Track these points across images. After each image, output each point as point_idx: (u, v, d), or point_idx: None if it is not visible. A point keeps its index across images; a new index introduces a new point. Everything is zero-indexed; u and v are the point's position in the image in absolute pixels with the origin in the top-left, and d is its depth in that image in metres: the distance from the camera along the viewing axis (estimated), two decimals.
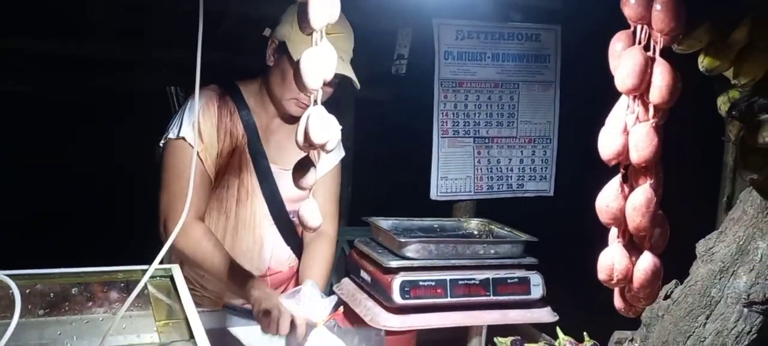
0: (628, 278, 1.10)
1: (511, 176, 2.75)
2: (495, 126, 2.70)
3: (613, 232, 1.15)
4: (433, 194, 2.70)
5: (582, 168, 2.51)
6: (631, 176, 1.08)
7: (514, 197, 2.76)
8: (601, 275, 1.12)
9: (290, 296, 1.29)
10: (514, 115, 2.72)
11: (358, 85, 1.86)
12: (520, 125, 2.73)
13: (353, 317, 1.90)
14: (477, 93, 2.68)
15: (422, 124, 2.82)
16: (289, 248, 1.96)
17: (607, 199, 1.08)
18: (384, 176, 3.00)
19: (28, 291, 1.12)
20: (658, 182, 1.06)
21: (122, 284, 1.19)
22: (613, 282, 1.11)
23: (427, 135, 2.80)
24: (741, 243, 1.56)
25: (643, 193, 1.04)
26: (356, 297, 1.94)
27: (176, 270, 1.21)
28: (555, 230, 2.36)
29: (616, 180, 1.08)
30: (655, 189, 1.05)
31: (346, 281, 2.07)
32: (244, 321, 1.76)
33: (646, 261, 1.08)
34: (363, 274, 1.96)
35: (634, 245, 1.13)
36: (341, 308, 1.49)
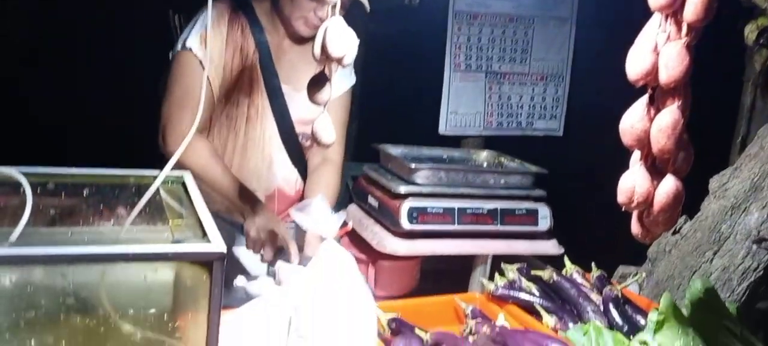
0: (648, 201, 1.09)
1: (521, 114, 2.72)
2: (508, 62, 2.66)
3: (636, 155, 1.13)
4: (442, 129, 2.67)
5: (593, 109, 2.49)
6: (658, 97, 1.05)
7: (523, 136, 2.74)
8: (622, 197, 1.10)
9: (300, 208, 1.28)
10: (528, 52, 2.68)
11: (368, 7, 1.82)
12: (533, 62, 2.69)
13: (358, 246, 1.90)
14: (491, 27, 2.64)
15: (433, 58, 2.77)
16: (296, 170, 1.95)
17: (632, 120, 1.05)
18: (392, 110, 2.97)
19: (38, 190, 1.10)
20: (686, 104, 1.04)
21: (133, 188, 1.18)
22: (633, 205, 1.10)
23: (437, 69, 2.76)
24: (755, 179, 1.55)
25: (670, 114, 1.02)
26: (363, 223, 1.94)
27: (188, 176, 1.19)
28: (563, 169, 2.34)
29: (643, 101, 1.05)
30: (683, 111, 1.03)
31: (352, 207, 2.06)
32: (244, 240, 1.77)
33: (669, 184, 1.06)
34: (371, 200, 1.95)
35: (656, 169, 1.12)
36: (350, 224, 1.49)
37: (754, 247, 1.55)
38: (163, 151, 1.76)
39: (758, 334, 1.28)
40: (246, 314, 1.26)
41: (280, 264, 1.42)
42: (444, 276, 1.95)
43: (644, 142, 1.07)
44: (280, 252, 1.67)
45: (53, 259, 0.84)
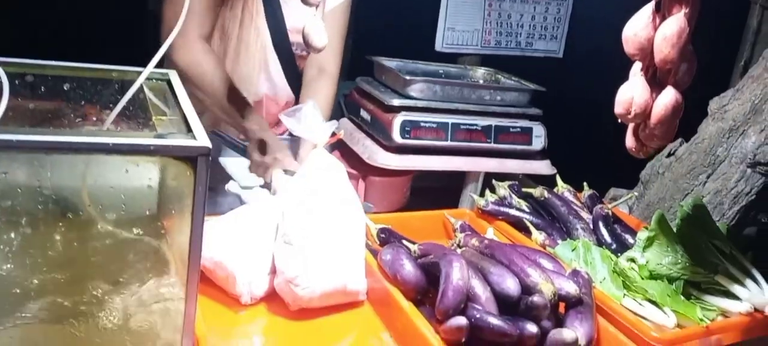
0: (646, 113, 1.06)
1: (520, 33, 2.65)
2: None
3: (637, 66, 1.09)
4: (438, 45, 2.61)
5: (595, 31, 2.43)
6: (664, 4, 1.01)
7: (522, 56, 2.67)
8: (619, 108, 1.07)
9: (290, 113, 1.24)
10: None
11: None
12: None
13: (348, 160, 1.87)
14: None
15: None
16: (286, 80, 1.90)
17: (636, 27, 1.01)
18: (388, 25, 2.89)
19: (17, 81, 1.06)
20: (693, 13, 1.00)
21: (117, 84, 1.14)
22: (630, 116, 1.07)
23: None
24: (756, 102, 1.52)
25: (677, 22, 0.98)
26: (354, 136, 1.91)
27: (173, 75, 1.15)
28: (561, 91, 2.30)
29: (648, 8, 1.01)
30: (689, 19, 0.99)
31: (344, 120, 2.03)
32: (231, 152, 1.73)
33: (668, 96, 1.03)
34: (363, 113, 1.92)
35: (656, 81, 1.08)
36: (342, 132, 1.45)
37: (749, 171, 1.53)
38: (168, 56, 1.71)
39: (746, 255, 1.28)
40: (232, 218, 1.25)
41: (276, 173, 1.40)
42: (435, 194, 1.94)
43: (647, 52, 1.04)
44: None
45: (31, 145, 0.80)
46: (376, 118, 1.83)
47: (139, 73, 1.05)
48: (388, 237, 1.35)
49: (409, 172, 1.85)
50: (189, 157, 0.87)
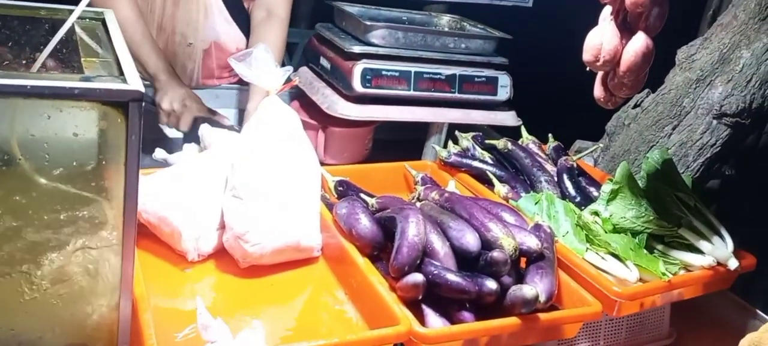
0: (615, 60, 1.01)
1: None
2: None
3: (606, 10, 1.04)
4: None
5: None
6: None
7: (489, 5, 2.60)
8: (587, 55, 1.02)
9: (240, 58, 1.16)
10: None
11: None
12: None
13: (307, 110, 1.80)
14: None
15: None
16: (235, 24, 1.80)
17: None
18: None
19: None
20: None
21: (47, 24, 1.04)
22: (598, 63, 1.02)
23: None
24: (724, 51, 1.48)
25: None
26: (314, 85, 1.83)
27: (109, 13, 1.06)
28: (529, 42, 2.24)
29: None
30: None
31: (303, 69, 1.94)
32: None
33: (639, 42, 0.98)
34: (323, 61, 1.84)
35: (626, 27, 1.03)
36: (296, 79, 1.38)
37: (714, 122, 1.50)
38: None
39: (710, 208, 1.25)
40: (179, 171, 1.17)
41: (204, 128, 1.32)
42: (396, 146, 1.88)
43: None
44: (197, 122, 1.58)
45: None
46: (336, 67, 1.75)
47: (71, 11, 0.97)
48: (346, 190, 1.30)
49: (371, 123, 1.78)
50: (120, 103, 0.79)
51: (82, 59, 0.92)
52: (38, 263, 0.87)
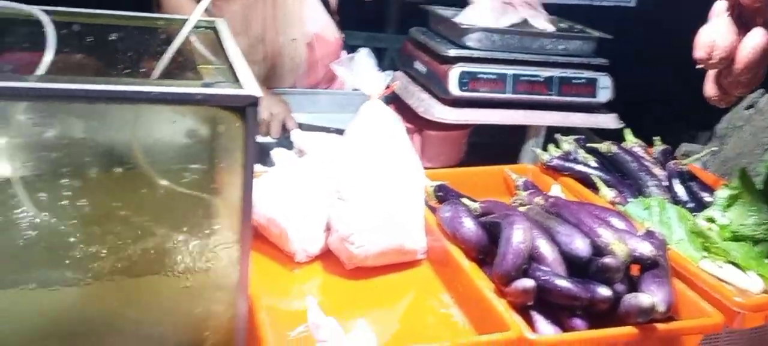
0: (729, 57, 0.95)
1: None
2: None
3: (720, 5, 0.98)
4: None
5: None
6: None
7: (589, 6, 2.52)
8: (699, 52, 0.97)
9: (343, 63, 1.18)
10: None
11: None
12: None
13: (403, 114, 1.80)
14: None
15: None
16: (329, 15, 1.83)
17: None
18: None
19: (64, 31, 1.03)
20: None
21: (163, 34, 1.09)
22: (711, 61, 0.97)
23: None
24: None
25: None
26: (409, 89, 1.84)
27: (221, 22, 1.10)
28: (631, 43, 2.15)
29: None
30: None
31: (398, 73, 1.95)
32: None
33: (757, 37, 0.93)
34: (417, 65, 1.84)
35: (742, 21, 0.97)
36: (397, 83, 1.38)
37: None
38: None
39: None
40: (285, 172, 1.20)
41: (296, 133, 1.33)
42: (492, 149, 1.85)
43: None
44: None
45: (79, 95, 0.76)
46: (431, 70, 1.75)
47: (186, 21, 1.01)
48: (445, 194, 1.29)
49: (466, 126, 1.77)
50: (237, 107, 0.82)
51: (199, 66, 0.96)
52: (160, 263, 0.91)
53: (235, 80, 0.86)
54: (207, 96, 0.80)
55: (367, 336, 0.89)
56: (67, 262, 0.88)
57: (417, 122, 1.76)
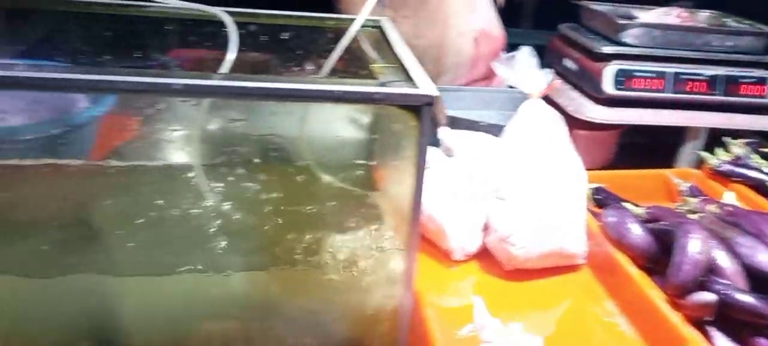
0: None
1: None
2: None
3: None
4: None
5: None
6: None
7: None
8: None
9: (504, 61, 1.16)
10: None
11: None
12: None
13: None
14: None
15: None
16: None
17: None
18: None
19: (241, 31, 1.09)
20: None
21: (330, 34, 1.13)
22: None
23: None
24: None
25: None
26: (558, 88, 1.79)
27: (386, 21, 1.11)
28: None
29: None
30: None
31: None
32: None
33: None
34: (567, 62, 1.78)
35: None
36: (557, 82, 1.35)
37: None
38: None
39: None
40: (442, 169, 1.20)
41: (443, 131, 1.32)
42: (644, 151, 1.77)
43: None
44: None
45: (259, 93, 0.80)
46: (583, 68, 1.69)
47: (353, 20, 1.03)
48: (605, 198, 1.24)
49: (619, 126, 1.69)
50: (414, 106, 0.82)
51: (371, 65, 0.98)
52: (326, 256, 0.94)
53: (409, 79, 0.87)
54: (385, 95, 0.81)
55: (533, 341, 0.87)
56: (239, 249, 0.93)
57: (566, 121, 1.71)
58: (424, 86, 0.83)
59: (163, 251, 0.93)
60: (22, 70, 0.72)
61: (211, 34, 1.08)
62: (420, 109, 0.82)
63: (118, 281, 0.87)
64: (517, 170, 1.09)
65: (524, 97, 1.75)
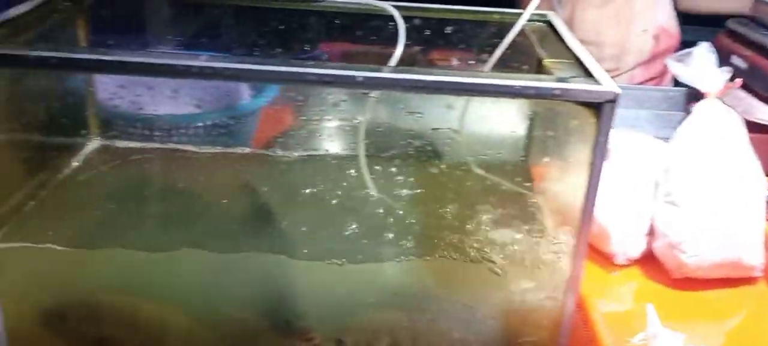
0: None
1: None
2: None
3: None
4: None
5: None
6: None
7: None
8: None
9: (679, 58, 1.10)
10: None
11: None
12: None
13: None
14: None
15: None
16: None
17: None
18: None
19: (406, 25, 1.10)
20: None
21: (493, 28, 1.12)
22: None
23: None
24: None
25: None
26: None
27: (554, 15, 1.09)
28: None
29: None
30: None
31: None
32: None
33: None
34: (735, 60, 1.66)
35: None
36: (739, 81, 1.26)
37: None
38: None
39: None
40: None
41: None
42: None
43: None
44: None
45: (441, 86, 0.80)
46: (755, 66, 1.57)
47: (519, 15, 1.02)
48: None
49: None
50: (594, 103, 0.80)
51: (543, 60, 0.96)
52: (490, 251, 0.94)
53: (588, 75, 0.84)
54: (565, 91, 0.79)
55: None
56: (399, 239, 0.95)
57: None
58: (606, 83, 0.80)
59: (330, 238, 0.96)
60: (203, 60, 0.75)
61: (367, 27, 1.10)
62: (601, 106, 0.79)
63: (288, 262, 0.91)
64: (691, 174, 1.03)
65: (681, 95, 1.66)
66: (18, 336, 0.90)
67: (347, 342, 0.91)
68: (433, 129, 1.10)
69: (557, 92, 0.80)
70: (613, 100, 0.79)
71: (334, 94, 1.11)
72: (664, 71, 1.78)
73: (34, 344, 0.92)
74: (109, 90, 1.08)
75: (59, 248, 0.87)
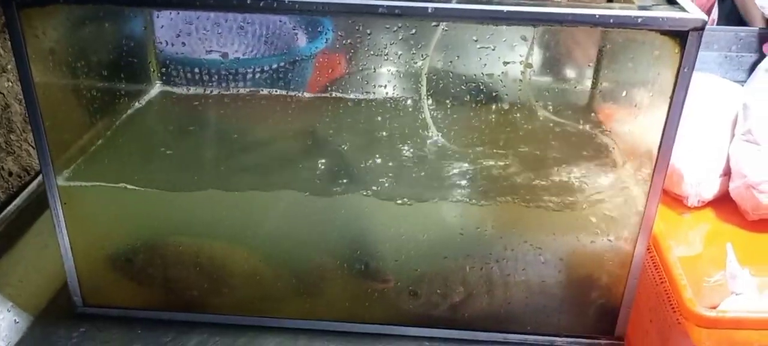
0: None
1: None
2: None
3: None
4: None
5: None
6: None
7: None
8: None
9: None
10: None
11: None
12: None
13: None
14: None
15: None
16: None
17: None
18: None
19: None
20: None
21: None
22: None
23: None
24: None
25: None
26: None
27: None
28: None
29: None
30: None
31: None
32: None
33: None
34: None
35: None
36: None
37: None
38: None
39: None
40: None
41: None
42: None
43: None
44: None
45: (516, 17, 0.77)
46: None
47: None
48: None
49: None
50: (679, 32, 0.76)
51: None
52: (563, 193, 0.91)
53: (670, 2, 0.80)
54: (649, 19, 0.76)
55: None
56: (469, 182, 0.93)
57: None
58: (693, 10, 0.76)
59: (398, 181, 0.94)
60: None
61: None
62: (686, 35, 0.75)
63: (364, 202, 0.90)
64: None
65: (753, 36, 1.59)
66: (87, 274, 0.92)
67: (421, 293, 0.90)
68: (505, 63, 1.06)
69: (640, 21, 0.76)
70: (700, 29, 0.75)
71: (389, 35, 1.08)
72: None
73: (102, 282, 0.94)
74: (169, 35, 1.08)
75: (130, 186, 0.87)
